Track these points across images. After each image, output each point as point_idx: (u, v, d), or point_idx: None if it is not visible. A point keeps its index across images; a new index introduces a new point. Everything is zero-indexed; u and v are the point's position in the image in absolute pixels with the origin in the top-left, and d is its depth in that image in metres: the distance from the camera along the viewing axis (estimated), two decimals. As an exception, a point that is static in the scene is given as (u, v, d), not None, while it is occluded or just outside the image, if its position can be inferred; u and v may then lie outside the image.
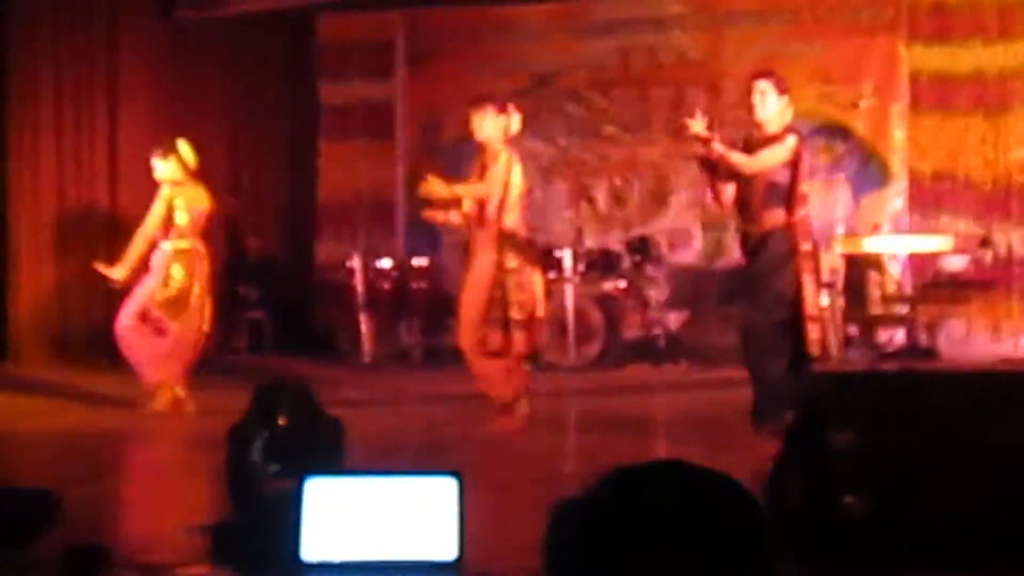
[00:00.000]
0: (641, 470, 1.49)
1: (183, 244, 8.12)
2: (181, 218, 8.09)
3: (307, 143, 12.55)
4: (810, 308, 6.76)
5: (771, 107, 6.88)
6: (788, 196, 6.84)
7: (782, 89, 6.91)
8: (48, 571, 3.71)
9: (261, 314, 11.98)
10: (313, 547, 3.52)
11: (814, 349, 6.78)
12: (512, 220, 7.20)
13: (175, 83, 11.38)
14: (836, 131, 11.27)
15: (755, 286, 6.96)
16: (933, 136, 11.08)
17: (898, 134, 11.21)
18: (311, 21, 12.42)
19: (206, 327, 8.28)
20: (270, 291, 12.03)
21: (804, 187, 6.93)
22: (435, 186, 7.25)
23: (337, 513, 3.54)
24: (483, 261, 7.17)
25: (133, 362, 8.15)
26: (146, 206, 8.32)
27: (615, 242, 11.42)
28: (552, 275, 10.71)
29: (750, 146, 6.97)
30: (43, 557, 3.89)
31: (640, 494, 1.45)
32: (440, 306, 10.48)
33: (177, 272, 8.09)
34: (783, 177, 6.83)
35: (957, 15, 11.00)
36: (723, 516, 1.45)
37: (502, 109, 7.23)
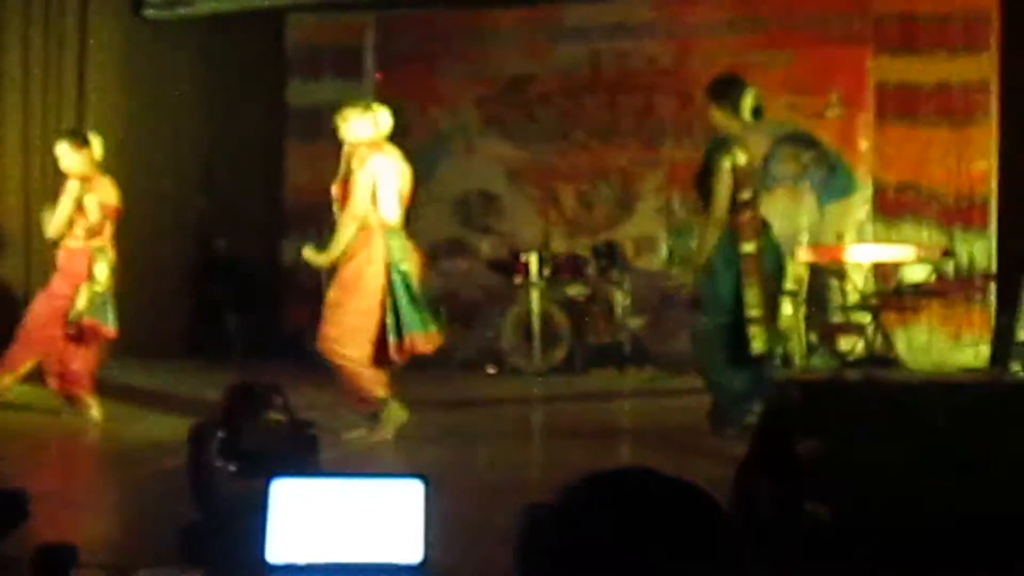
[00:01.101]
0: (609, 477, 1.51)
1: (98, 243, 7.78)
2: (94, 215, 7.74)
3: (278, 144, 12.52)
4: (751, 310, 6.78)
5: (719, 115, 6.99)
6: (730, 200, 6.89)
7: (719, 95, 6.99)
8: (15, 570, 3.70)
9: (230, 316, 11.93)
10: (279, 549, 3.52)
11: (756, 349, 6.79)
12: (393, 216, 7.04)
13: (145, 82, 11.32)
14: (802, 140, 11.35)
15: (700, 290, 7.02)
16: (898, 146, 11.17)
17: (864, 144, 11.29)
18: (282, 22, 12.40)
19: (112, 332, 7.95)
20: (239, 293, 11.97)
21: (747, 193, 6.93)
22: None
23: (303, 515, 3.54)
24: (362, 261, 6.96)
25: (61, 371, 7.77)
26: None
27: (581, 247, 11.45)
28: (518, 279, 10.75)
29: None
30: (10, 556, 3.88)
31: (608, 501, 1.47)
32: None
33: (101, 272, 7.74)
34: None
35: (924, 27, 11.09)
36: (688, 523, 1.47)
37: (366, 109, 7.16)
